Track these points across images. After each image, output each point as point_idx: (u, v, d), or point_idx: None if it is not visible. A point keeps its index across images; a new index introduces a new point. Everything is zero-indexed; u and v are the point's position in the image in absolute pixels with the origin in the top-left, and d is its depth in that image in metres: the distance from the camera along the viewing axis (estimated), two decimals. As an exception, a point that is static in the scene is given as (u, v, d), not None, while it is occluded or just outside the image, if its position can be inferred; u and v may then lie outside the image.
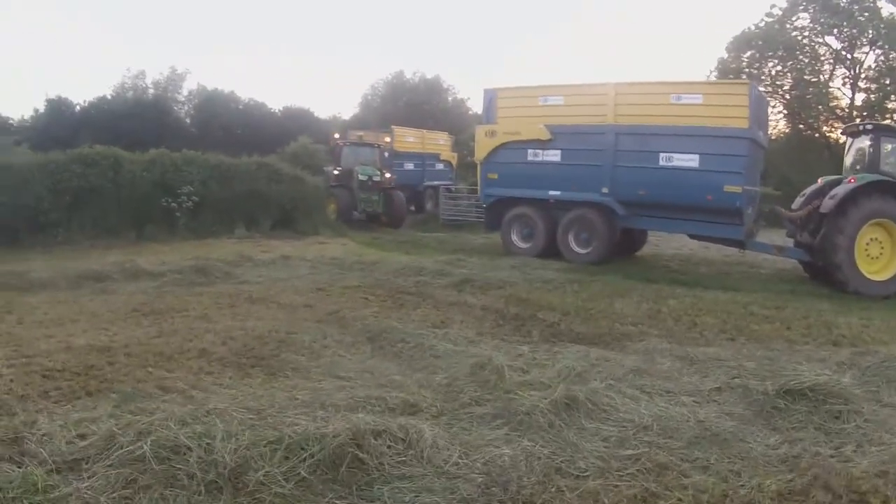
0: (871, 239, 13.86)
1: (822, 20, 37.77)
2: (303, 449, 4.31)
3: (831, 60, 39.21)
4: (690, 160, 14.64)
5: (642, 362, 7.27)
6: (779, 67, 39.23)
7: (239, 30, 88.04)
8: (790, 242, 15.83)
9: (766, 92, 38.49)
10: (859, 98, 38.76)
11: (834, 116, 39.41)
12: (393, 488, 4.15)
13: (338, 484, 4.15)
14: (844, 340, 9.13)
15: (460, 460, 4.49)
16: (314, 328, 8.52)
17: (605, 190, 15.61)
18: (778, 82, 38.68)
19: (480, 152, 17.57)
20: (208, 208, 20.67)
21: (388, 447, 4.48)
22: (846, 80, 39.26)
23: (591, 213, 15.97)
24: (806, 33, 38.81)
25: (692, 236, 16.74)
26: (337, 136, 27.94)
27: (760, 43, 38.23)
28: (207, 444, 4.23)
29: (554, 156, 16.22)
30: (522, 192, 16.88)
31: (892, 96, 38.08)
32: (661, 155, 14.89)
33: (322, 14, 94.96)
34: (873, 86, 38.28)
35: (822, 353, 8.07)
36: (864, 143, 14.59)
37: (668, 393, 6.25)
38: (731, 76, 37.93)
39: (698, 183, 14.50)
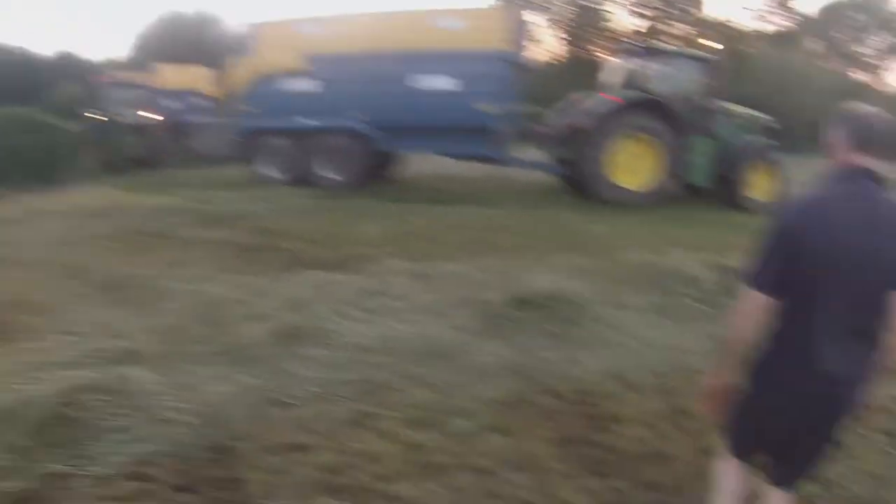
0: (631, 153, 14.51)
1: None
2: (14, 416, 4.06)
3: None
4: (451, 82, 14.75)
5: (376, 284, 7.24)
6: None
7: None
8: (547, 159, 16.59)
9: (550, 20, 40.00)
10: (640, 23, 41.21)
11: (608, 40, 41.41)
12: (106, 442, 3.97)
13: (52, 447, 3.91)
14: (591, 248, 9.34)
15: (177, 404, 4.34)
16: (53, 285, 7.98)
17: (360, 116, 15.39)
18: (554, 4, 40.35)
19: (236, 85, 17.02)
20: None
21: (102, 402, 4.25)
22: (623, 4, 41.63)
23: (345, 140, 15.78)
24: None
25: (451, 156, 16.85)
26: (99, 77, 25.78)
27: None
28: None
29: (310, 85, 15.84)
30: (277, 122, 16.39)
31: (667, 22, 40.64)
32: (419, 77, 14.91)
33: None
34: (649, 12, 40.75)
35: (565, 261, 8.24)
36: (634, 63, 15.30)
37: (398, 312, 6.24)
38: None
39: (457, 104, 14.62)
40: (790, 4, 42.83)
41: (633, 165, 14.54)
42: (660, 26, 40.74)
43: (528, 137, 17.30)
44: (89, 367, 4.93)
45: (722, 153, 14.96)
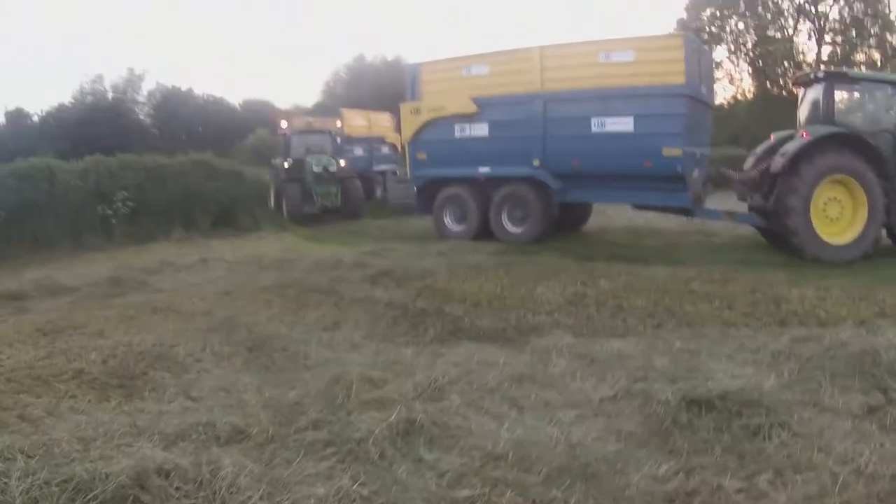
0: (830, 198, 12.46)
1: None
2: (90, 489, 3.60)
3: (794, 14, 38.46)
4: (624, 124, 13.38)
5: (532, 365, 6.23)
6: (741, 25, 38.56)
7: (196, 24, 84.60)
8: (744, 207, 14.51)
9: (730, 51, 37.99)
10: (826, 51, 38.22)
11: (801, 71, 38.93)
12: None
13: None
14: (794, 318, 7.93)
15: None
16: (198, 339, 7.57)
17: (536, 163, 14.39)
18: (741, 40, 38.12)
19: (407, 132, 16.40)
20: (145, 212, 19.95)
21: (177, 488, 3.71)
22: (811, 33, 38.64)
23: (523, 189, 14.76)
24: None
25: (636, 206, 15.39)
26: (284, 124, 24.50)
27: (720, 0, 37.40)
28: (4, 483, 3.61)
29: (482, 129, 14.96)
30: (452, 170, 15.66)
31: (859, 48, 37.64)
32: (593, 120, 13.63)
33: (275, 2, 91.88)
34: (839, 38, 37.77)
35: (761, 339, 6.89)
36: (817, 93, 13.20)
37: (547, 406, 5.22)
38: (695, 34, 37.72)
39: (634, 148, 13.20)
40: None
41: (835, 214, 12.56)
42: (854, 55, 37.48)
43: (723, 184, 15.64)
44: (187, 443, 4.53)
45: None
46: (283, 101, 52.55)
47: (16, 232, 18.41)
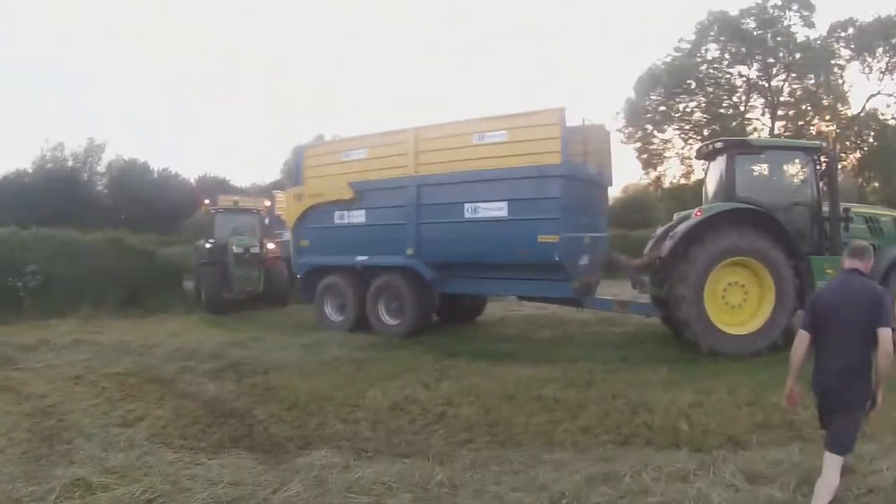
0: (731, 283, 11.05)
1: (732, 50, 36.65)
2: None
3: (747, 90, 37.92)
4: (498, 209, 12.07)
5: (262, 487, 5.56)
6: (692, 103, 37.76)
7: (160, 98, 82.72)
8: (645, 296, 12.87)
9: (681, 129, 37.30)
10: (779, 125, 37.54)
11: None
12: None
13: None
14: (644, 433, 6.87)
15: None
16: (8, 423, 8.11)
17: (409, 252, 13.07)
18: (694, 118, 37.14)
19: (290, 218, 15.21)
20: (55, 287, 19.41)
21: None
22: (764, 109, 37.90)
23: (398, 279, 13.45)
24: (716, 65, 37.62)
25: (520, 298, 14.14)
26: (207, 201, 21.84)
27: (667, 79, 36.58)
28: None
29: (359, 217, 13.88)
30: (331, 259, 14.42)
31: (814, 120, 36.76)
32: (466, 206, 12.35)
33: (241, 80, 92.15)
34: (792, 112, 37.07)
35: (557, 475, 5.66)
36: (720, 165, 11.87)
37: None
38: (644, 115, 36.65)
39: (509, 235, 11.84)
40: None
41: (737, 300, 11.10)
42: (807, 128, 36.55)
43: (619, 271, 14.07)
44: None
45: None
46: (240, 180, 51.34)
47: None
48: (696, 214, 11.30)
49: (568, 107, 11.53)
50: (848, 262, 4.89)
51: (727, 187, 11.46)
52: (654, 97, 38.19)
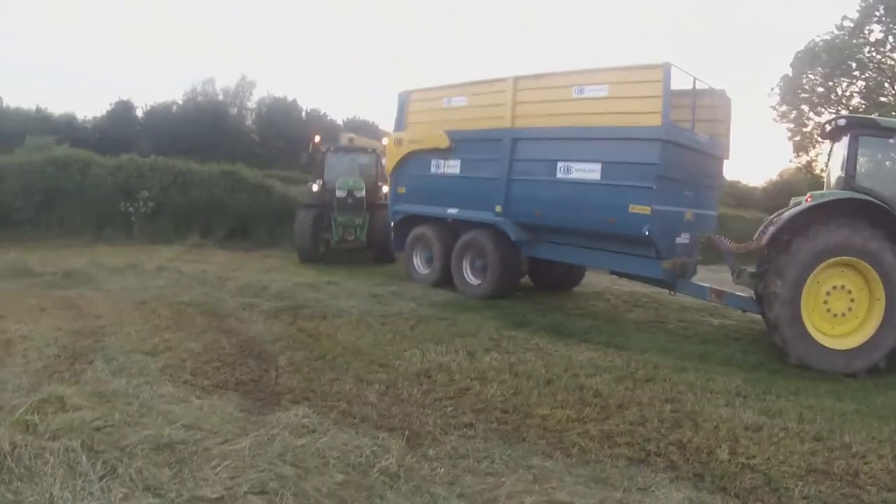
0: (836, 287, 9.21)
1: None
2: None
3: None
4: (591, 171, 11.01)
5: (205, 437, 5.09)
6: (853, 87, 34.85)
7: (314, 40, 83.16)
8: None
9: (838, 113, 34.68)
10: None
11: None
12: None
13: None
14: (673, 453, 5.55)
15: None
16: (48, 335, 8.40)
17: (498, 209, 12.21)
18: (853, 103, 33.79)
19: (389, 163, 14.64)
20: (166, 214, 20.45)
21: None
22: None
23: (484, 237, 12.64)
24: (881, 48, 34.40)
25: (612, 273, 12.94)
26: (317, 138, 19.61)
27: (826, 58, 33.68)
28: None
29: (454, 167, 13.16)
30: (425, 208, 13.82)
31: None
32: (559, 165, 11.34)
33: (395, 25, 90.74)
34: None
35: (563, 485, 4.76)
36: (843, 147, 9.90)
37: None
38: (800, 94, 34.09)
39: (599, 201, 10.86)
40: None
41: (841, 309, 9.28)
42: None
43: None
44: None
45: None
46: (388, 124, 50.68)
47: (45, 217, 19.98)
48: (806, 200, 9.67)
49: (675, 64, 10.31)
50: None
51: (846, 173, 9.63)
52: (811, 76, 35.38)
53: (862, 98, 34.44)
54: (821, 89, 35.25)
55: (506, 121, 12.16)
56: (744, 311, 11.00)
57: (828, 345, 9.11)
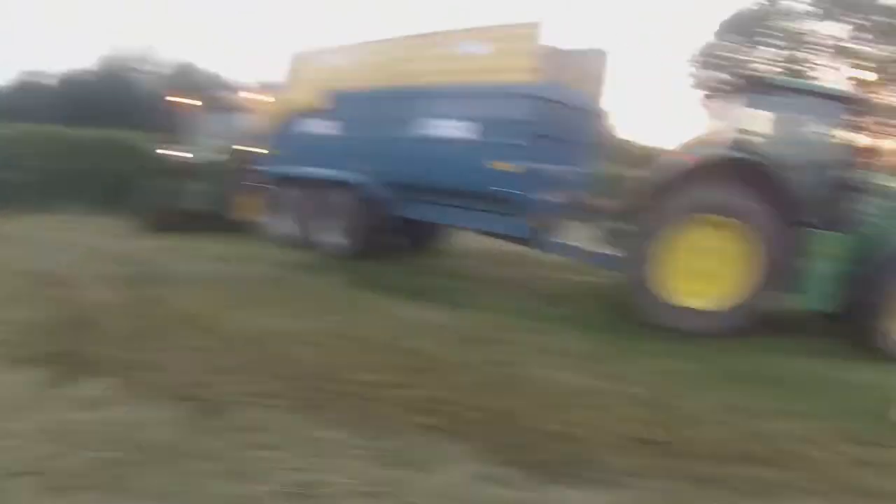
0: (704, 247, 9.05)
1: (824, 6, 34.08)
2: None
3: (832, 52, 34.90)
4: (461, 128, 10.91)
5: None
6: (772, 55, 35.23)
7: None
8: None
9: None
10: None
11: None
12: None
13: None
14: (449, 429, 5.11)
15: None
16: None
17: (367, 168, 12.11)
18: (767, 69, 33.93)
19: (270, 123, 14.35)
20: (36, 182, 19.33)
21: None
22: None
23: (350, 196, 12.41)
24: (806, 20, 35.03)
25: (478, 232, 12.63)
26: (176, 98, 17.81)
27: (749, 27, 34.70)
28: None
29: (332, 127, 12.92)
30: (298, 169, 13.41)
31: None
32: (431, 122, 11.30)
33: None
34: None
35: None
36: (734, 106, 9.79)
37: None
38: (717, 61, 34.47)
39: (467, 159, 10.72)
40: None
41: (709, 268, 9.08)
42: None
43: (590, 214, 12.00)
44: None
45: (864, 261, 8.98)
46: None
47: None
48: (686, 159, 9.44)
49: (547, 23, 10.29)
50: None
51: (732, 132, 9.48)
52: (731, 43, 35.92)
53: (775, 65, 34.99)
54: (739, 56, 35.67)
55: (386, 80, 12.01)
56: (609, 270, 10.57)
57: (693, 305, 8.96)
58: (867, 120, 9.48)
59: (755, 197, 8.83)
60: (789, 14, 35.03)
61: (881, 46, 33.55)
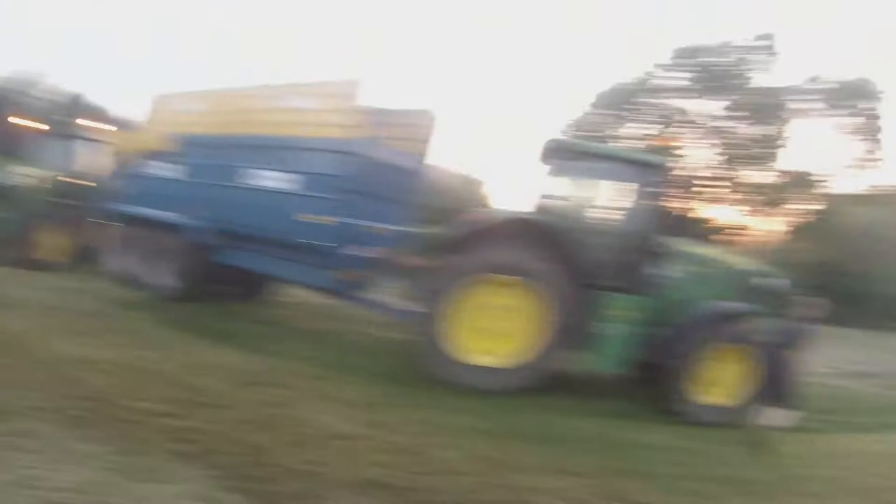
0: (495, 305, 9.71)
1: (699, 84, 36.38)
2: None
3: (704, 128, 37.42)
4: (279, 179, 11.70)
5: None
6: (640, 130, 37.38)
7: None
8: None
9: None
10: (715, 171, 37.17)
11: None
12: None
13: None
14: (239, 464, 5.66)
15: None
16: None
17: (199, 212, 12.65)
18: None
19: (119, 162, 14.99)
20: None
21: None
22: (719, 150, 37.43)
23: (180, 240, 12.91)
24: (681, 95, 37.43)
25: (291, 282, 13.38)
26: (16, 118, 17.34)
27: (621, 102, 36.78)
28: None
29: (171, 170, 13.53)
30: (135, 208, 13.89)
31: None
32: (253, 172, 12.05)
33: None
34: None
35: None
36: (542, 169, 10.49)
37: None
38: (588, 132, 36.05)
39: (285, 209, 11.40)
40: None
41: (498, 327, 9.75)
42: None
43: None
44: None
45: (663, 324, 9.86)
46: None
47: None
48: (471, 216, 10.38)
49: (367, 81, 11.13)
50: None
51: (534, 194, 10.27)
52: (604, 116, 38.16)
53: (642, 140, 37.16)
54: (609, 130, 37.72)
55: (225, 128, 12.67)
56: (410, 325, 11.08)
57: (480, 362, 9.62)
58: (672, 186, 10.00)
59: (546, 258, 9.54)
60: (660, 90, 37.27)
61: (751, 125, 36.29)
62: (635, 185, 10.25)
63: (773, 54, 36.18)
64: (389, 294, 12.13)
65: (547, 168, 10.36)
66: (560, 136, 13.44)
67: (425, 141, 13.08)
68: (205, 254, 12.83)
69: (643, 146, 32.76)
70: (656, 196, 10.12)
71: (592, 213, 10.37)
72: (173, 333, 10.25)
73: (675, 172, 10.21)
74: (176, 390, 7.33)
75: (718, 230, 38.28)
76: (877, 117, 35.69)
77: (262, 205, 11.83)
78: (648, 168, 10.24)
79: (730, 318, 9.82)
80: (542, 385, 9.65)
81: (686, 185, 35.74)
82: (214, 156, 12.75)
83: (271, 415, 7.00)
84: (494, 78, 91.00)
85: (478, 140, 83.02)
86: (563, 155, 10.33)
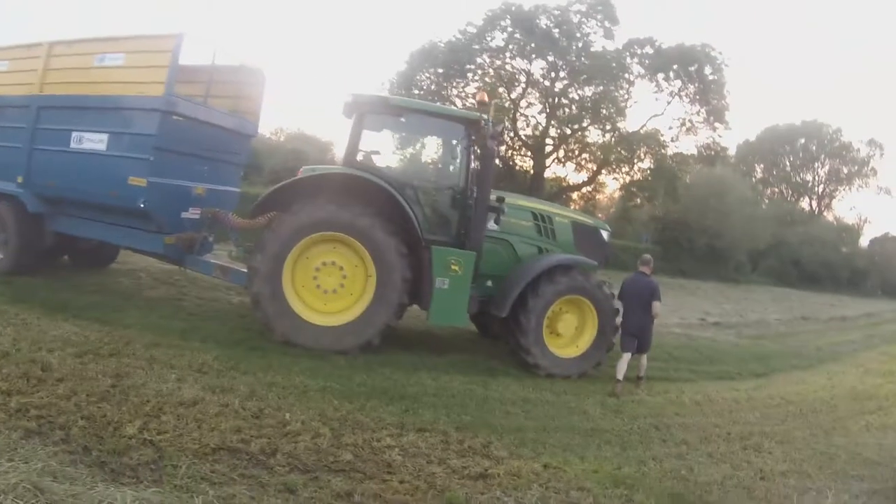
0: (325, 263, 9.91)
1: (520, 43, 36.90)
2: None
3: (525, 86, 38.31)
4: (98, 141, 10.96)
5: None
6: (469, 88, 37.74)
7: None
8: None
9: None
10: (554, 130, 38.34)
11: (524, 144, 38.87)
12: None
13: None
14: (84, 435, 5.52)
15: None
16: None
17: (19, 179, 11.77)
18: (468, 103, 35.68)
19: None
20: None
21: None
22: (544, 107, 38.69)
23: (5, 209, 11.98)
24: (501, 55, 37.89)
25: (121, 247, 12.97)
26: None
27: (443, 58, 36.63)
28: None
29: None
30: None
31: (589, 128, 37.80)
32: (74, 135, 11.18)
33: None
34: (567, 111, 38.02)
35: None
36: (351, 124, 10.53)
37: None
38: (413, 90, 36.10)
39: (103, 172, 10.83)
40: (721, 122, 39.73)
41: (332, 285, 10.02)
42: (581, 132, 38.42)
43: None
44: None
45: (495, 278, 10.63)
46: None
47: None
48: (298, 174, 10.48)
49: (193, 34, 10.79)
50: (640, 268, 10.79)
51: (348, 149, 10.40)
52: (428, 74, 38.08)
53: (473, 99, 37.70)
54: (435, 87, 37.84)
55: (35, 87, 11.81)
56: (246, 288, 10.91)
57: (316, 321, 9.80)
58: (494, 141, 10.17)
59: (373, 214, 9.78)
60: (486, 49, 37.80)
61: (579, 86, 37.65)
62: (454, 141, 10.68)
63: (614, 20, 37.71)
64: (225, 258, 12.05)
65: (352, 122, 10.47)
66: (365, 91, 13.48)
67: (256, 99, 12.95)
68: (39, 222, 12.05)
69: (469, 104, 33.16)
70: (482, 153, 10.35)
71: (417, 169, 10.79)
72: (9, 308, 9.74)
73: (499, 129, 10.22)
74: (13, 366, 7.00)
75: (563, 188, 39.72)
76: (715, 81, 37.89)
77: (81, 168, 11.20)
78: (467, 123, 10.56)
79: (565, 270, 10.52)
80: (384, 343, 10.03)
81: (522, 144, 36.79)
82: (25, 118, 11.81)
83: (115, 385, 6.85)
84: (326, 36, 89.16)
85: (313, 98, 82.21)
86: (380, 110, 10.49)
